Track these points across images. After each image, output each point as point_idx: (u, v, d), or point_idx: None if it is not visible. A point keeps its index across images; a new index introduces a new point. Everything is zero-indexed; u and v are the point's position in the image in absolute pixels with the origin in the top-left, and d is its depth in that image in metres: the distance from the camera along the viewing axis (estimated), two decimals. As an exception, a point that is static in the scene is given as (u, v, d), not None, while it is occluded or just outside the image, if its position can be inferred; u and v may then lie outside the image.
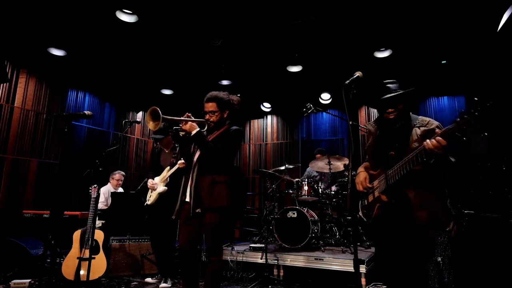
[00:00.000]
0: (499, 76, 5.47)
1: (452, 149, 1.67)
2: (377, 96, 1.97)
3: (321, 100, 6.70)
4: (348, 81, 1.89)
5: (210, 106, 2.54)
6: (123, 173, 5.20)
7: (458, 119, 1.53)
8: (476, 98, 1.51)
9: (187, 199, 2.43)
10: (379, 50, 5.11)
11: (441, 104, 6.47)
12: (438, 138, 1.61)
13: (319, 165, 5.11)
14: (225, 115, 2.59)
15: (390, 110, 1.95)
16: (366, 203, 2.14)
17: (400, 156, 1.86)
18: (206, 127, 2.55)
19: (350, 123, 1.86)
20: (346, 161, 4.89)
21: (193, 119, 2.44)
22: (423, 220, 1.81)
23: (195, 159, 2.49)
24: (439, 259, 3.06)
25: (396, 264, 1.94)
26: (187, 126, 2.38)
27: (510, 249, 2.85)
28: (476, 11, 4.05)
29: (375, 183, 2.01)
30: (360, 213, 2.25)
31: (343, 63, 5.48)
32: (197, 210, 2.37)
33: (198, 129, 2.40)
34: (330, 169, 4.76)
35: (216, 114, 2.53)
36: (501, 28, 4.01)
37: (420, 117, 2.00)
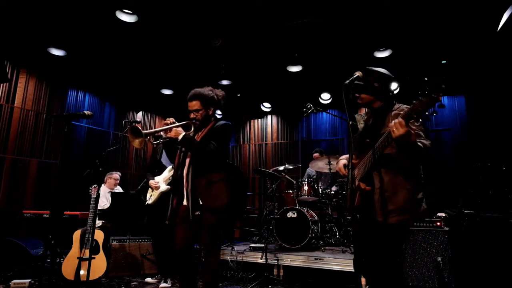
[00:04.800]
0: (499, 76, 5.48)
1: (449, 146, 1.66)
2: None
3: (321, 100, 6.70)
4: (348, 81, 1.90)
5: (194, 105, 2.46)
6: (119, 173, 5.16)
7: (414, 101, 1.57)
8: (426, 78, 1.54)
9: (185, 203, 2.40)
10: (379, 50, 5.11)
11: (442, 103, 6.46)
12: (398, 119, 1.63)
13: (319, 165, 5.11)
14: (210, 112, 2.52)
15: (357, 95, 2.05)
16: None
17: (374, 142, 1.88)
18: (192, 129, 2.49)
19: (350, 123, 1.87)
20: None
21: (177, 123, 2.38)
22: (384, 204, 1.81)
23: (187, 162, 2.43)
24: (439, 259, 3.06)
25: (370, 254, 1.93)
26: (172, 133, 2.33)
27: (510, 249, 2.85)
28: (476, 11, 4.05)
29: (356, 171, 2.02)
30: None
31: (343, 63, 5.48)
32: (196, 213, 2.33)
33: (183, 133, 2.34)
34: (330, 169, 4.76)
35: (200, 112, 2.47)
36: (501, 28, 4.01)
37: (396, 104, 2.02)
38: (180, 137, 2.31)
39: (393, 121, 1.65)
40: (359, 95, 2.05)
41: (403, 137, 1.62)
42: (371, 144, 1.88)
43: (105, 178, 5.04)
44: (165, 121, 2.37)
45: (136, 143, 2.25)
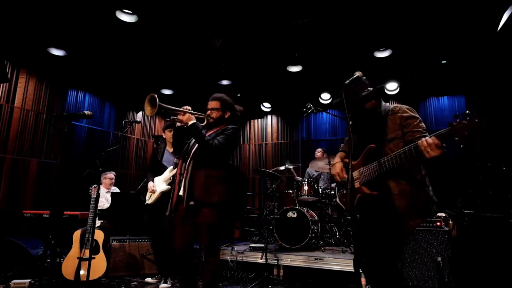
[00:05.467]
0: (499, 76, 5.47)
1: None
2: (353, 92, 1.95)
3: (321, 100, 6.70)
4: (348, 81, 1.89)
5: (214, 104, 2.60)
6: (113, 172, 5.13)
7: (454, 123, 1.51)
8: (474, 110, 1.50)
9: (181, 193, 2.42)
10: (379, 50, 5.11)
11: (441, 104, 6.47)
12: (433, 139, 1.58)
13: (319, 165, 5.11)
14: (226, 116, 2.63)
15: (365, 106, 1.98)
16: (345, 193, 2.16)
17: (380, 148, 1.87)
18: (205, 122, 2.57)
19: (350, 123, 1.86)
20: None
21: (193, 112, 2.47)
22: (403, 208, 1.81)
23: (192, 152, 2.49)
24: (439, 259, 3.06)
25: (373, 256, 1.93)
26: (184, 117, 2.40)
27: (510, 249, 2.85)
28: (476, 11, 4.05)
29: (355, 174, 2.00)
30: (338, 201, 2.27)
31: (343, 63, 5.48)
32: (190, 203, 2.36)
33: (195, 120, 2.41)
34: (330, 169, 4.76)
35: (217, 111, 2.59)
36: (501, 28, 4.01)
37: (391, 105, 2.02)
38: (190, 122, 2.39)
39: (425, 140, 1.59)
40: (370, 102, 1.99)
41: (437, 157, 1.58)
42: (377, 150, 1.86)
43: (101, 179, 5.02)
44: (183, 107, 2.45)
45: (148, 110, 2.33)
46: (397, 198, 1.82)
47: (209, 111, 2.59)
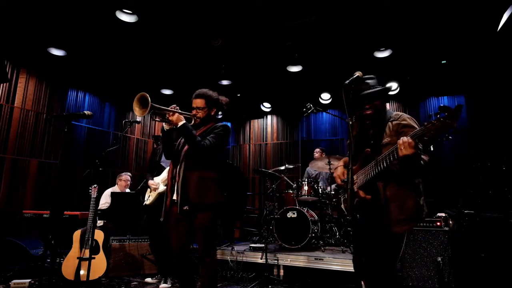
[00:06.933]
0: (499, 76, 5.48)
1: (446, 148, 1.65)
2: (355, 91, 1.96)
3: (321, 100, 6.70)
4: (348, 81, 1.89)
5: (199, 102, 2.51)
6: (129, 174, 5.17)
7: (425, 123, 1.52)
8: (442, 105, 1.50)
9: (174, 197, 2.37)
10: (379, 50, 5.11)
11: (441, 104, 6.47)
12: (408, 138, 1.59)
13: (319, 165, 5.11)
14: (212, 113, 2.56)
15: (367, 106, 1.97)
16: (346, 197, 2.17)
17: (375, 152, 1.87)
18: (192, 122, 2.50)
19: (350, 123, 1.86)
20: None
21: (181, 111, 2.39)
22: (394, 214, 1.81)
23: (182, 154, 2.43)
24: (439, 259, 3.06)
25: (369, 260, 1.94)
26: (174, 117, 2.31)
27: (510, 249, 2.85)
28: (476, 11, 4.06)
29: (354, 178, 2.01)
30: (342, 206, 2.27)
31: (343, 63, 5.48)
32: (185, 208, 2.30)
33: (184, 121, 2.34)
34: (330, 169, 4.76)
35: (203, 110, 2.51)
36: (501, 28, 4.01)
37: (394, 112, 2.03)
38: (180, 123, 2.32)
39: (401, 139, 1.61)
40: (371, 104, 1.97)
41: (409, 157, 1.59)
42: (372, 155, 1.87)
43: (116, 180, 5.03)
44: (171, 106, 2.37)
45: (138, 111, 2.20)
46: (388, 202, 1.83)
47: (194, 111, 2.50)
